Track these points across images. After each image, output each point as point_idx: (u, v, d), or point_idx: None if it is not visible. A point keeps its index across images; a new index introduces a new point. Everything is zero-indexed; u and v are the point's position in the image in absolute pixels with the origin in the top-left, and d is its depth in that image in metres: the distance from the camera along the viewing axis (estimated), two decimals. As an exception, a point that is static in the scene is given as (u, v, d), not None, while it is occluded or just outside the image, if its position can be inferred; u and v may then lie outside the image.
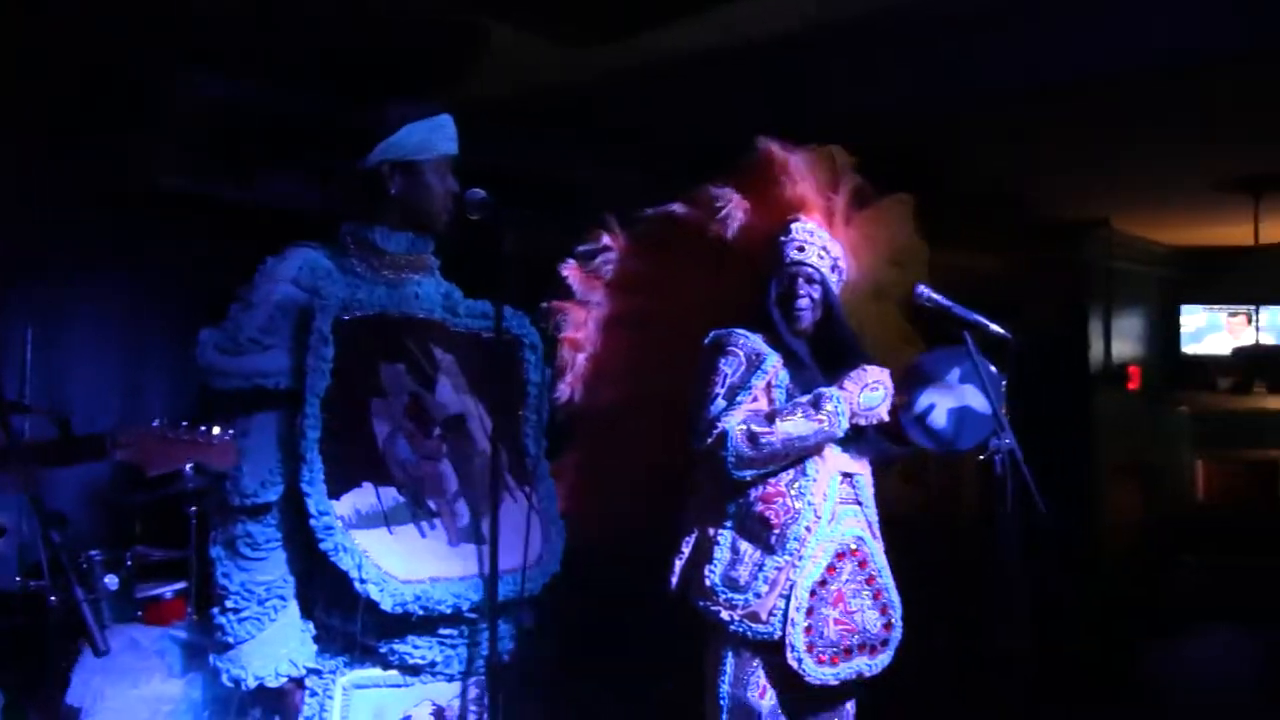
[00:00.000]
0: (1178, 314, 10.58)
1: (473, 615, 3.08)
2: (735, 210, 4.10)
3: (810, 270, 4.03)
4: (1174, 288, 10.92)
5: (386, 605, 2.92)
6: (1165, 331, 10.78)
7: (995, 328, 3.87)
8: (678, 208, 4.30)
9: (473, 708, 3.16)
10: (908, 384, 4.05)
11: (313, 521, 2.90)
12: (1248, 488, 11.15)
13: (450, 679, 3.13)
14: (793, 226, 4.07)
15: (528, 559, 3.19)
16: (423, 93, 3.48)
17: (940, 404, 4.04)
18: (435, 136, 3.22)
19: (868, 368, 3.94)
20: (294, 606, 2.98)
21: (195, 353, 2.99)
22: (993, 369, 3.94)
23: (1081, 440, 9.67)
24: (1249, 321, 10.18)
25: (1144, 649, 6.06)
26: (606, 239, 4.40)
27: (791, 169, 4.13)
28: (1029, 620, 3.77)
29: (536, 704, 3.44)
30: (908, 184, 4.39)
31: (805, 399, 3.85)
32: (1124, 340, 10.44)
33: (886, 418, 4.00)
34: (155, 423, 2.87)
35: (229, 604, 2.93)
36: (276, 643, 2.94)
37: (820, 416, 3.81)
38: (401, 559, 2.98)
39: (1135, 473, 10.31)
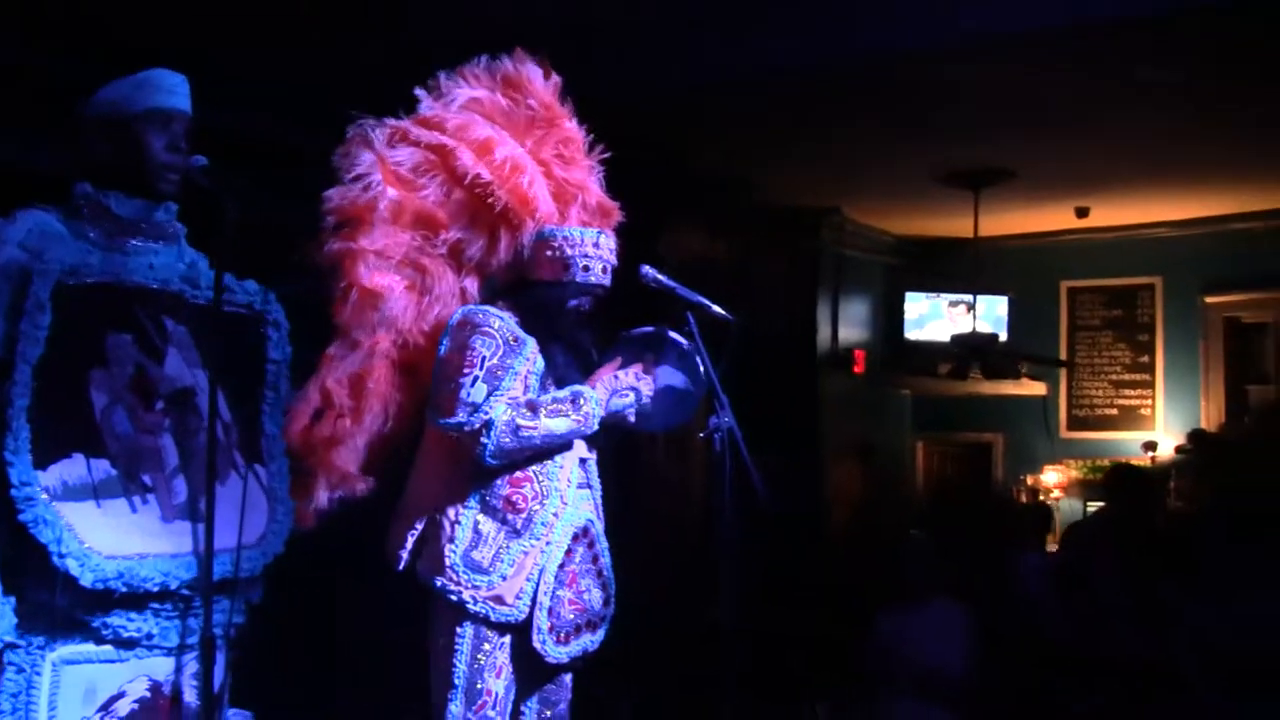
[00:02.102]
0: (902, 301, 10.87)
1: (186, 592, 3.02)
2: (379, 184, 3.86)
3: (599, 291, 4.04)
4: (899, 275, 11.23)
5: (86, 580, 2.86)
6: (890, 318, 11.08)
7: (717, 309, 3.90)
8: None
9: (191, 683, 3.09)
10: (648, 367, 4.11)
11: (13, 492, 2.82)
12: (964, 468, 11.62)
13: (167, 653, 3.06)
14: (581, 236, 3.99)
15: (249, 538, 3.14)
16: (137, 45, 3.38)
17: (658, 384, 4.13)
18: (141, 92, 3.12)
19: (619, 373, 4.00)
20: None
21: None
22: (695, 354, 3.98)
23: (808, 422, 9.91)
24: (968, 310, 10.52)
25: (865, 622, 6.25)
26: (367, 157, 3.90)
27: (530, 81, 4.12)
28: (741, 596, 3.84)
29: (257, 679, 3.40)
30: (644, 166, 4.41)
31: (565, 395, 3.86)
32: (850, 325, 10.71)
33: (633, 420, 4.09)
34: None
35: None
36: None
37: (578, 416, 3.83)
38: (108, 533, 2.91)
39: (860, 453, 10.61)
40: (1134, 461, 10.02)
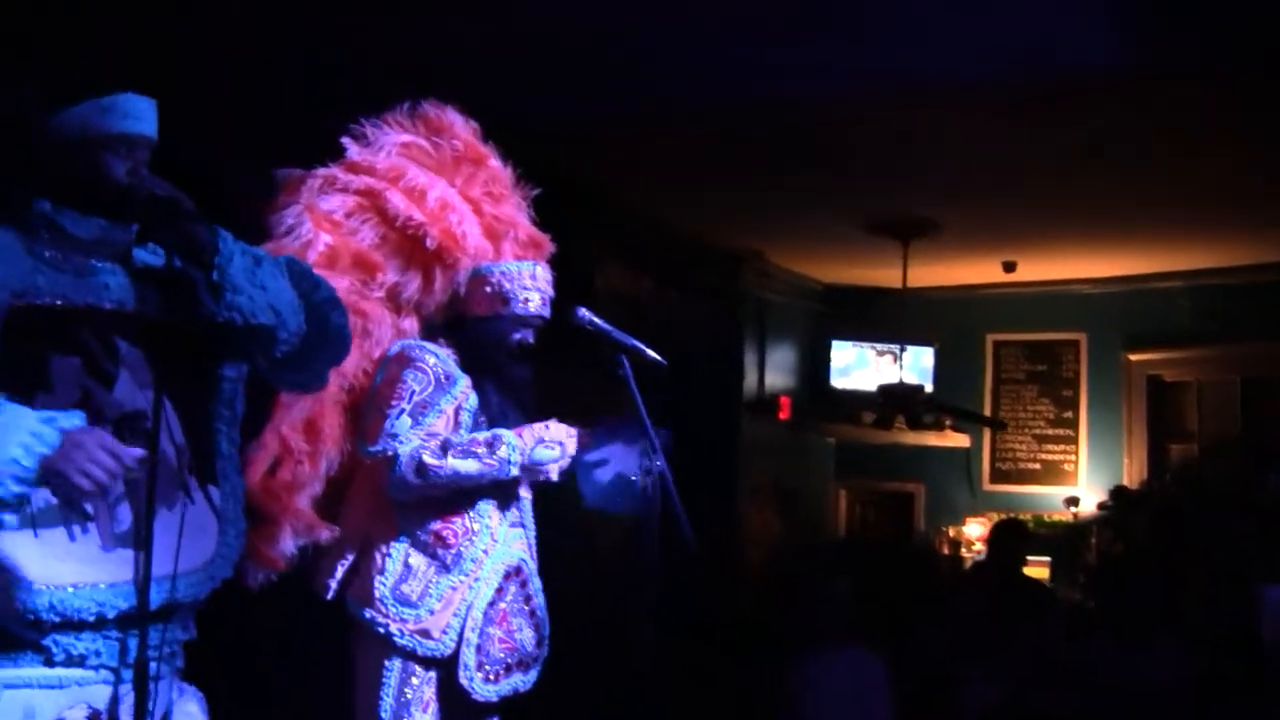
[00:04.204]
0: (829, 348, 10.86)
1: (123, 622, 2.94)
2: (310, 232, 3.88)
3: (538, 322, 4.08)
4: (825, 323, 11.26)
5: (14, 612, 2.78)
6: (815, 364, 11.08)
7: (651, 353, 3.92)
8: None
9: (129, 713, 3.05)
10: (594, 435, 4.10)
11: None
12: (885, 516, 11.65)
13: (107, 682, 2.97)
14: (518, 269, 4.07)
15: (195, 561, 3.07)
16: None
17: (611, 463, 4.13)
18: (111, 117, 3.03)
19: (551, 425, 4.00)
20: None
21: None
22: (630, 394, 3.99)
23: (730, 466, 9.90)
24: (894, 360, 10.57)
25: (778, 667, 6.24)
26: (296, 207, 3.94)
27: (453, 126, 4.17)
28: (655, 638, 3.85)
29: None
30: (570, 203, 4.43)
31: (483, 438, 3.87)
32: (776, 371, 10.74)
33: (554, 478, 4.07)
34: None
35: None
36: None
37: (492, 460, 3.84)
38: (41, 563, 2.82)
39: (782, 499, 10.60)
40: (1055, 516, 10.12)
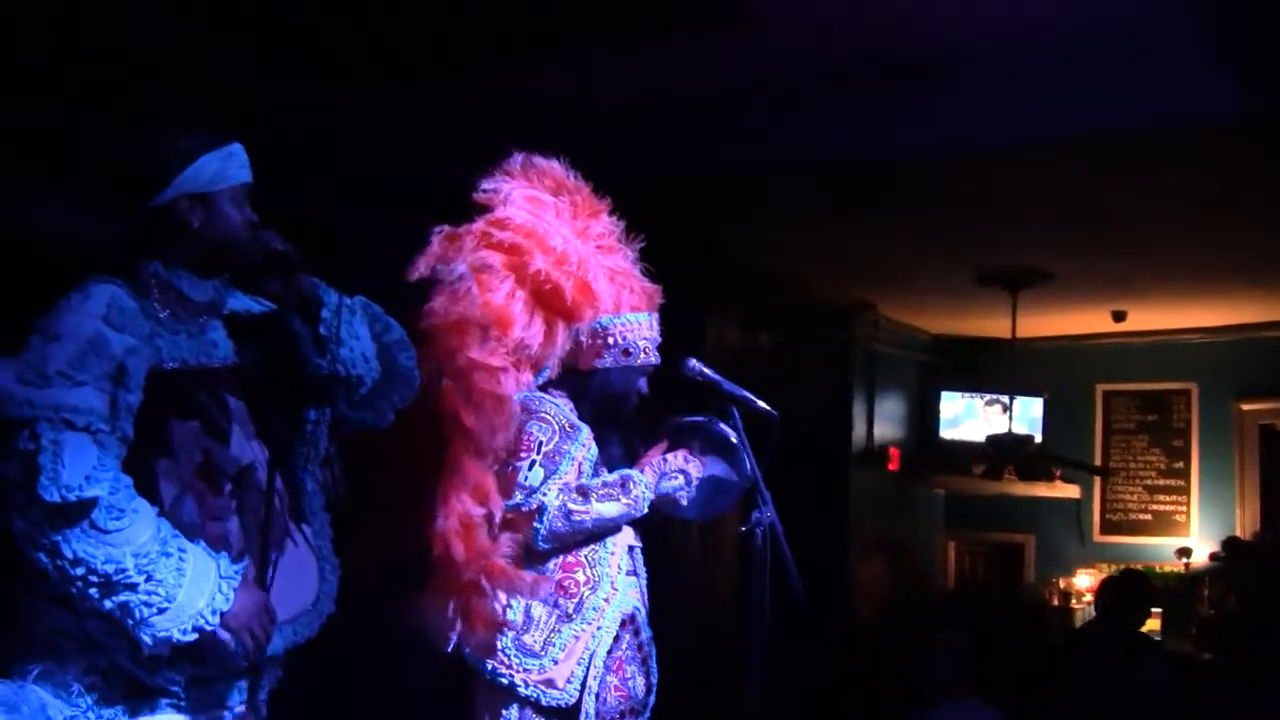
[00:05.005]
0: (938, 399, 10.85)
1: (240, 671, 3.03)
2: (475, 293, 3.94)
3: (652, 371, 4.16)
4: (935, 374, 11.24)
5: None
6: (925, 416, 11.06)
7: (761, 404, 3.98)
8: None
9: None
10: (695, 451, 4.17)
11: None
12: (995, 568, 11.55)
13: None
14: (636, 321, 4.14)
15: (304, 601, 3.15)
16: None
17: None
18: (229, 165, 3.08)
19: (668, 455, 4.07)
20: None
21: None
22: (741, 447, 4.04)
23: (839, 518, 9.87)
24: (1004, 410, 10.51)
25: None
26: (460, 266, 3.98)
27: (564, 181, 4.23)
28: (768, 690, 3.86)
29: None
30: (680, 256, 4.47)
31: (614, 479, 3.94)
32: (885, 422, 10.68)
33: (684, 504, 4.13)
34: None
35: (121, 580, 2.73)
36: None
37: (629, 500, 3.91)
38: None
39: (891, 551, 10.57)
40: (1167, 568, 9.99)
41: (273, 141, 3.56)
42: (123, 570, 2.71)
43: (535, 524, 3.83)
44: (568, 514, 3.83)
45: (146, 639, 2.76)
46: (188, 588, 2.78)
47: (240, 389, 3.16)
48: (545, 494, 3.85)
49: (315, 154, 5.68)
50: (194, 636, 2.81)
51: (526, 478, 3.87)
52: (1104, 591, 7.56)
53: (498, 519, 3.89)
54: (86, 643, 2.88)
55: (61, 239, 4.60)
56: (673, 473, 4.05)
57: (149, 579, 2.73)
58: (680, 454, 4.10)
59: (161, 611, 2.75)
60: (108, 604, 2.74)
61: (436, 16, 4.65)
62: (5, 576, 2.92)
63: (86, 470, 2.70)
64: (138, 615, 2.74)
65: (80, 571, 2.71)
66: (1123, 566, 10.09)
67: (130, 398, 2.84)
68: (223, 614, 2.83)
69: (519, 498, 3.86)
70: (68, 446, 2.71)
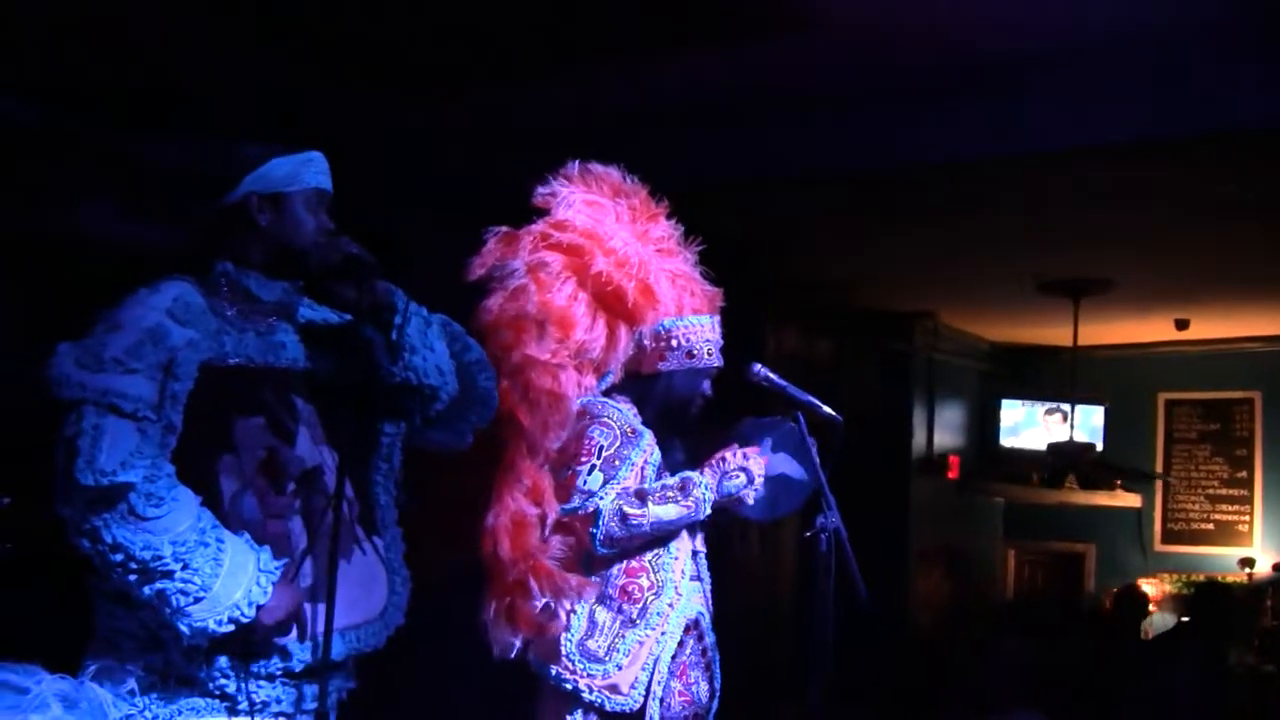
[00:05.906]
0: (998, 408, 10.80)
1: (303, 671, 3.02)
2: (534, 293, 3.95)
3: (715, 374, 4.15)
4: (995, 382, 11.19)
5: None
6: (984, 424, 11.01)
7: (826, 409, 3.96)
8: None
9: None
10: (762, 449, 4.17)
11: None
12: (1054, 577, 11.47)
13: None
14: (699, 323, 4.14)
15: (371, 611, 3.15)
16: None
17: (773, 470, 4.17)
18: (304, 170, 3.12)
19: (727, 454, 4.05)
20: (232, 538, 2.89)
21: (50, 363, 2.79)
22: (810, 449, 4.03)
23: (899, 526, 9.86)
24: (1064, 419, 10.45)
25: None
26: (518, 266, 3.98)
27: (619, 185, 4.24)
28: (829, 697, 3.85)
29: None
30: (738, 263, 4.47)
31: (673, 482, 3.93)
32: (945, 430, 10.66)
33: (750, 502, 4.12)
34: None
35: (158, 567, 2.75)
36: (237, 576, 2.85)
37: (688, 502, 3.89)
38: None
39: (951, 559, 10.53)
40: (1230, 578, 9.89)
41: (348, 151, 3.59)
42: (160, 558, 2.74)
43: (591, 529, 3.83)
44: (624, 518, 3.82)
45: (184, 628, 2.79)
46: (224, 579, 2.80)
47: (310, 393, 3.18)
48: (602, 498, 3.85)
49: (381, 163, 5.73)
50: (230, 628, 2.82)
51: (585, 481, 3.88)
52: (1194, 603, 7.47)
53: (550, 520, 3.89)
54: (145, 641, 2.91)
55: (133, 247, 4.66)
56: (733, 471, 4.02)
57: (185, 567, 2.76)
58: (739, 451, 4.08)
59: (198, 601, 2.77)
60: (146, 591, 2.77)
61: (497, 23, 4.68)
62: (68, 575, 2.97)
63: (123, 456, 2.73)
64: (174, 603, 2.77)
65: (119, 558, 2.74)
66: (1187, 577, 10.04)
67: (177, 386, 2.86)
68: (259, 607, 2.85)
69: (576, 501, 3.87)
70: (108, 432, 2.74)
